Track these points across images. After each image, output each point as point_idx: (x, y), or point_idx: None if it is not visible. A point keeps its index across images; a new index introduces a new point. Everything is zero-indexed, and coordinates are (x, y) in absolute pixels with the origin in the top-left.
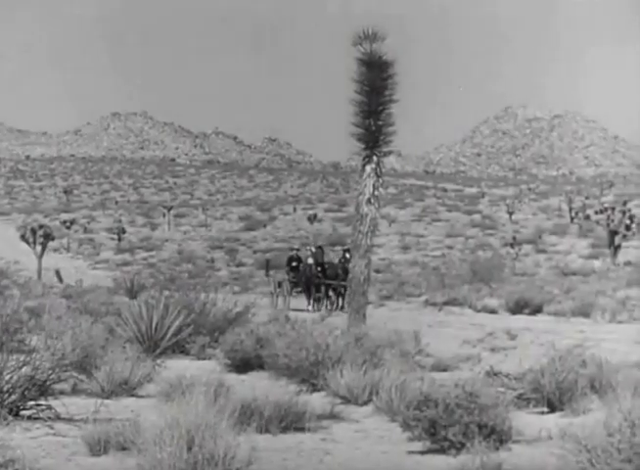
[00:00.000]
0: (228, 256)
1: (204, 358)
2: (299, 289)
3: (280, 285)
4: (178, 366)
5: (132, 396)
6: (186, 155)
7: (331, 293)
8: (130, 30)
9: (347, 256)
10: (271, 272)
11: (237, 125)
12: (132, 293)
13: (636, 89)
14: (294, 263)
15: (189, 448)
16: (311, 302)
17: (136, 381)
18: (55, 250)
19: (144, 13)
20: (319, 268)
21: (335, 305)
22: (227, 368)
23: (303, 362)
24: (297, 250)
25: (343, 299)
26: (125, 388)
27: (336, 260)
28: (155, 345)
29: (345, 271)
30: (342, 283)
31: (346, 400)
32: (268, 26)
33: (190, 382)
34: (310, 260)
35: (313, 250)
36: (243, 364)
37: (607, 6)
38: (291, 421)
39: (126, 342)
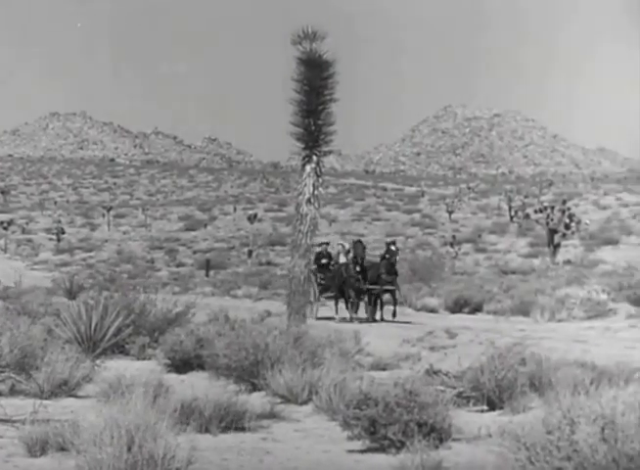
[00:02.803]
0: (168, 256)
1: (143, 359)
2: (331, 294)
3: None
4: (118, 367)
5: (71, 396)
6: (125, 155)
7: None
8: (69, 30)
9: (393, 248)
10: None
11: (176, 125)
12: (71, 293)
13: (576, 87)
14: (323, 261)
15: (128, 449)
16: (347, 307)
17: (75, 381)
18: None
19: (83, 13)
20: (358, 268)
21: (375, 313)
22: (167, 368)
23: (243, 362)
24: (327, 244)
25: (395, 303)
26: (65, 388)
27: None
28: (94, 345)
29: (391, 270)
30: (389, 287)
31: (286, 400)
32: (207, 26)
33: (129, 382)
34: (342, 258)
35: (346, 245)
36: (182, 364)
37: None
38: (231, 421)
39: (65, 342)
